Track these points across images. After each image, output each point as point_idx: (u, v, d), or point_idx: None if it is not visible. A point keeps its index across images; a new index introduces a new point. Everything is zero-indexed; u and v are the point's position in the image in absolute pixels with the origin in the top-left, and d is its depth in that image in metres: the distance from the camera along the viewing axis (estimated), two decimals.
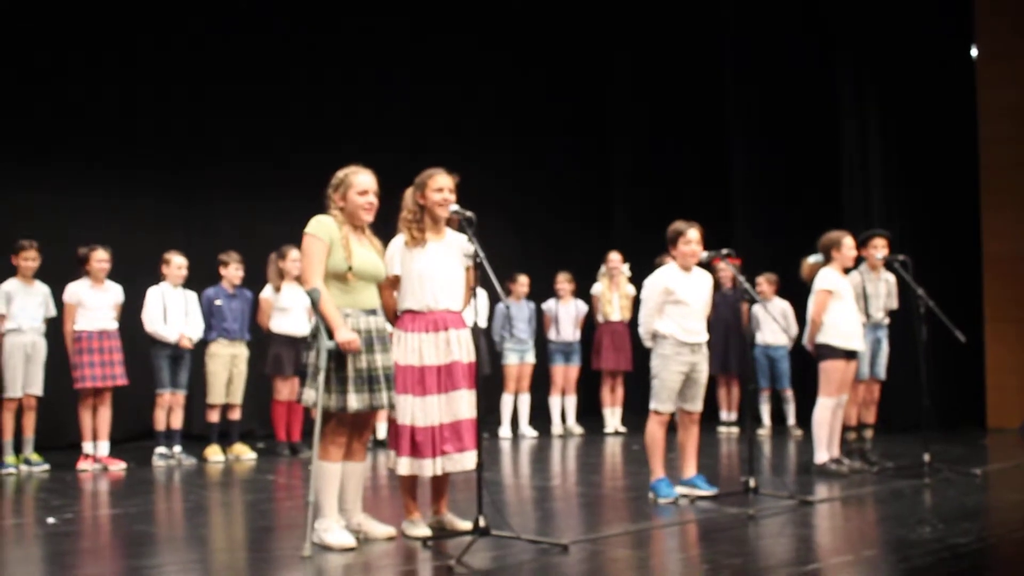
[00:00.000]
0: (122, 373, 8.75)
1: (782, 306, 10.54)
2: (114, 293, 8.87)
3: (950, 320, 7.77)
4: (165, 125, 10.49)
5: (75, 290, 8.69)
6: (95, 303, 8.70)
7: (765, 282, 10.56)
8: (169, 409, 8.96)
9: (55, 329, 8.76)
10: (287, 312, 9.37)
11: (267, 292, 9.48)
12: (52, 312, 8.76)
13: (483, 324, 6.54)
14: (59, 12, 9.97)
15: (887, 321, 8.32)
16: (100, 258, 8.73)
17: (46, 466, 8.50)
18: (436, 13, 12.17)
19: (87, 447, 8.65)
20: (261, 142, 10.88)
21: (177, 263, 9.08)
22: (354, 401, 5.30)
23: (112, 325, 8.78)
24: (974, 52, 11.25)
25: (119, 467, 8.60)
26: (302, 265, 5.51)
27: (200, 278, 9.38)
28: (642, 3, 13.05)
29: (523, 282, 10.93)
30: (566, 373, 11.16)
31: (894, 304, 8.34)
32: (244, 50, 10.87)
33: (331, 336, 5.25)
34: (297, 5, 11.37)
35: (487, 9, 12.58)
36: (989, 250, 11.09)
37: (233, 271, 9.37)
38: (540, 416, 11.24)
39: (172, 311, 8.97)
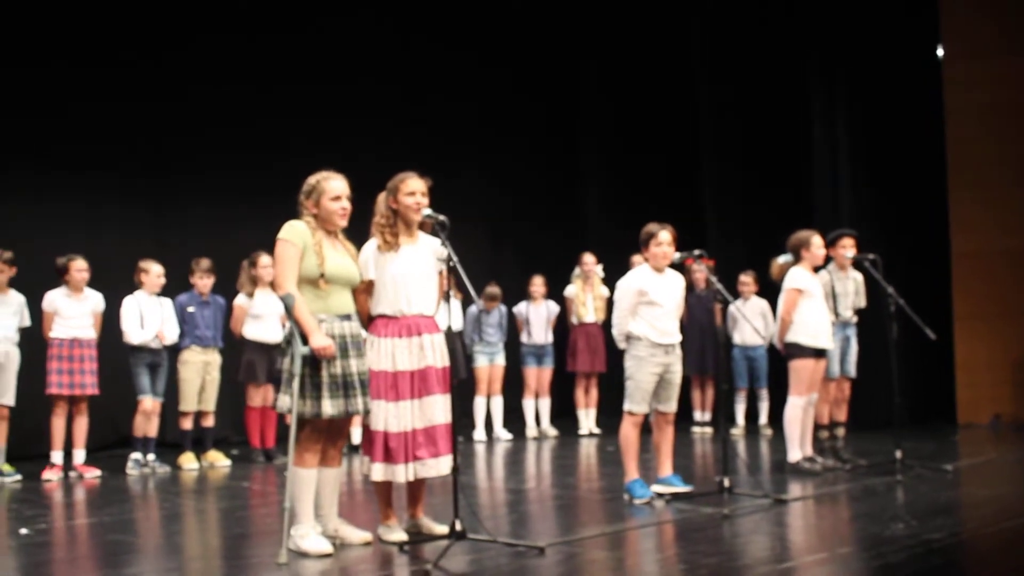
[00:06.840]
0: (92, 382, 8.69)
1: (761, 305, 10.57)
2: (93, 302, 8.82)
3: (920, 318, 7.84)
4: (136, 131, 10.39)
5: (52, 298, 8.67)
6: (70, 312, 8.66)
7: (752, 281, 10.57)
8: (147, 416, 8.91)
9: (29, 338, 8.71)
10: (260, 319, 9.34)
11: (241, 299, 9.45)
12: (27, 322, 8.72)
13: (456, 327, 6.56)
14: (28, 18, 9.88)
15: (855, 319, 8.39)
16: (80, 267, 8.69)
17: (18, 476, 8.42)
18: (407, 20, 12.16)
19: (54, 456, 8.58)
20: (233, 148, 10.79)
21: (155, 271, 9.03)
22: (329, 407, 5.29)
23: (87, 334, 8.71)
24: (940, 52, 11.35)
25: (93, 475, 8.55)
26: (275, 271, 5.48)
27: (171, 285, 9.32)
28: (612, 3, 13.07)
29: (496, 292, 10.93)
30: (539, 375, 11.16)
31: (862, 303, 8.42)
32: (215, 56, 10.79)
33: (306, 342, 5.25)
34: (272, 10, 11.27)
35: (455, 13, 12.54)
36: (958, 247, 11.19)
37: (205, 280, 9.33)
38: (514, 419, 11.24)
39: (149, 319, 8.90)
